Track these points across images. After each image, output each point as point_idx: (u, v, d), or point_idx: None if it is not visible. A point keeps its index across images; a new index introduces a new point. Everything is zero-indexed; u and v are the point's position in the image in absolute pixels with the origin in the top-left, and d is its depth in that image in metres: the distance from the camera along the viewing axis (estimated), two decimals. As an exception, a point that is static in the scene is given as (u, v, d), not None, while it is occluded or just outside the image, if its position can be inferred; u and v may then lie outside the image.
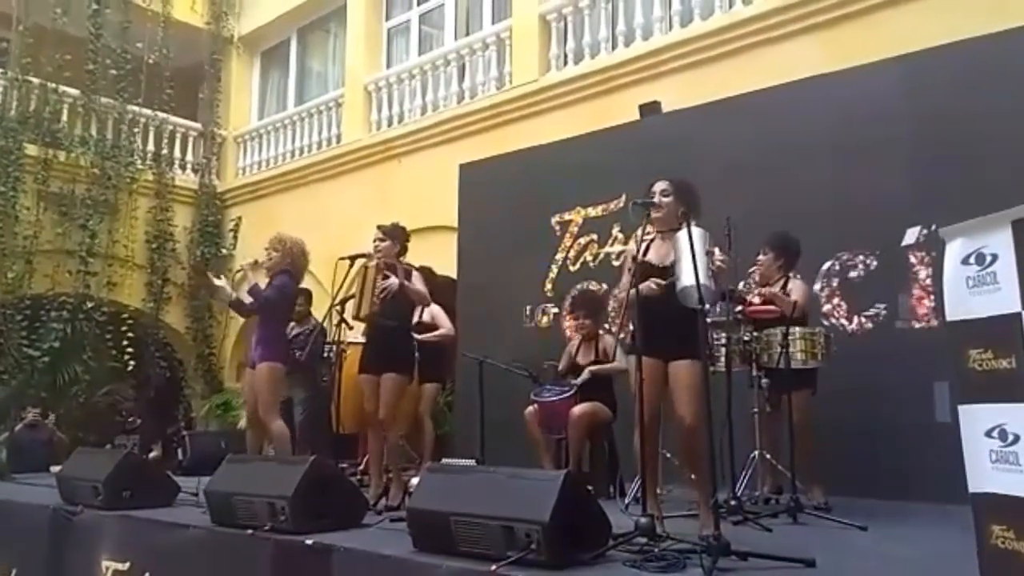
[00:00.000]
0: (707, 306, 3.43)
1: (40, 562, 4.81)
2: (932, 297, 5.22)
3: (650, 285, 3.70)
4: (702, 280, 3.37)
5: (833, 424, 4.82)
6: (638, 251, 3.80)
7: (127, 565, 4.25)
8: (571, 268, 6.98)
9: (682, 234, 3.48)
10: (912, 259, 5.37)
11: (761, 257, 5.03)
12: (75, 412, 10.14)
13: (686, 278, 3.41)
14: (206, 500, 4.28)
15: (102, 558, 4.41)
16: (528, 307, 7.11)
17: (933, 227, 5.18)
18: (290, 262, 5.40)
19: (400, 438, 5.06)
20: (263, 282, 5.39)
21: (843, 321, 5.54)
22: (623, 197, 6.42)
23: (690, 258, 3.37)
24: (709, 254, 3.56)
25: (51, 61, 10.45)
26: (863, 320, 5.52)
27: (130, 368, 10.48)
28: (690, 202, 3.79)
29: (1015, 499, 2.02)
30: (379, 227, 5.09)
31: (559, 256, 7.05)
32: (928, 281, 5.28)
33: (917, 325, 5.30)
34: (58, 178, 10.41)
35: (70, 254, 10.32)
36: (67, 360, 10.11)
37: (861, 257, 5.57)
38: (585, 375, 5.32)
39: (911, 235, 5.36)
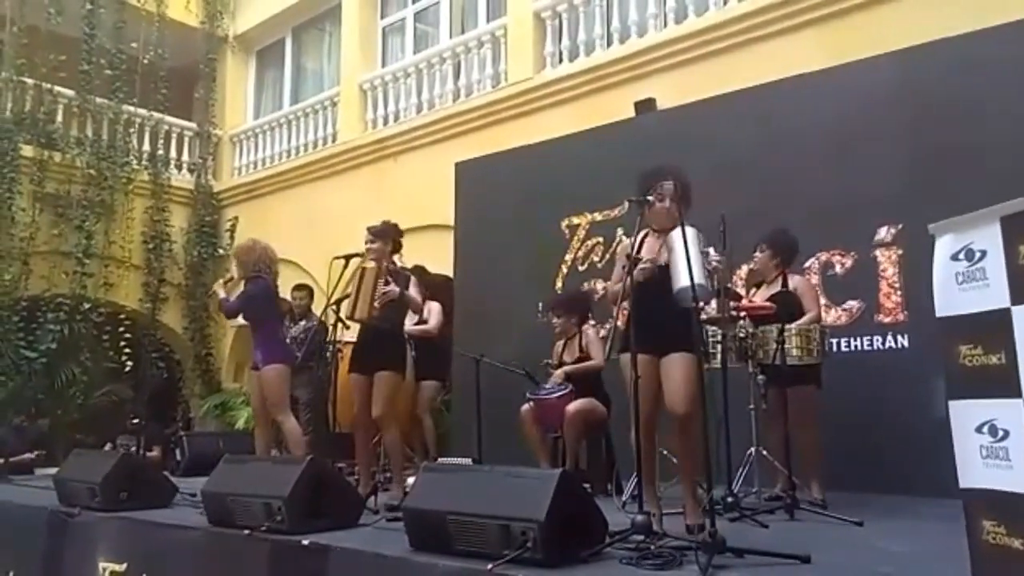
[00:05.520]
0: (701, 304, 3.42)
1: (37, 564, 4.81)
2: (899, 293, 5.36)
3: (642, 268, 3.65)
4: (699, 280, 3.38)
5: (829, 420, 4.83)
6: (633, 247, 3.79)
7: (124, 566, 4.25)
8: (580, 268, 6.99)
9: (675, 234, 3.48)
10: (880, 256, 5.46)
11: (758, 255, 5.03)
12: (73, 414, 10.14)
13: (682, 279, 3.41)
14: (203, 501, 4.28)
15: (99, 560, 4.41)
16: (540, 303, 7.10)
17: (901, 226, 5.34)
18: (255, 265, 5.42)
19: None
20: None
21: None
22: (625, 204, 6.42)
23: (684, 259, 3.37)
24: (704, 254, 3.56)
25: (45, 62, 10.41)
26: (840, 313, 5.59)
27: (127, 369, 10.48)
28: (687, 200, 3.81)
29: (1005, 495, 2.02)
30: (368, 229, 5.06)
31: (568, 257, 7.06)
32: (896, 278, 5.39)
33: (885, 319, 5.40)
34: (54, 179, 10.39)
35: (66, 255, 10.30)
36: (64, 362, 10.10)
37: (839, 253, 5.65)
38: (556, 377, 5.33)
39: (881, 234, 5.47)
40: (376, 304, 4.77)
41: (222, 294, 5.55)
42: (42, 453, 8.52)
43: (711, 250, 3.66)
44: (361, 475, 5.06)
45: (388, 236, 5.02)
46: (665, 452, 4.65)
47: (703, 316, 3.69)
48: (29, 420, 9.20)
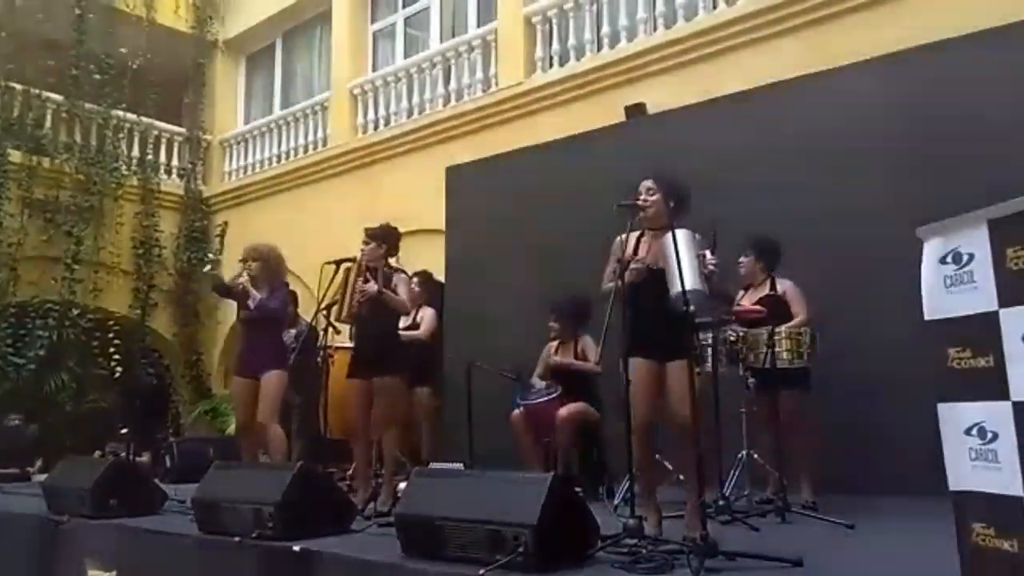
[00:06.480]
0: (692, 308, 3.39)
1: (26, 571, 4.79)
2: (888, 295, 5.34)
3: (632, 268, 3.64)
4: (695, 285, 3.36)
5: (821, 422, 4.84)
6: (625, 250, 3.78)
7: (113, 573, 4.23)
8: (575, 271, 6.96)
9: (667, 238, 3.46)
10: (869, 259, 5.43)
11: (743, 260, 5.05)
12: (62, 420, 10.07)
13: (676, 285, 3.40)
14: (193, 507, 4.26)
15: (88, 566, 4.39)
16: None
17: (889, 229, 5.25)
18: (277, 269, 5.41)
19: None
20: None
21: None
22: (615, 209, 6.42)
23: (676, 264, 3.36)
24: (700, 257, 3.51)
25: (34, 67, 10.37)
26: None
27: (117, 375, 10.42)
28: (678, 197, 3.76)
29: (994, 496, 2.02)
30: (365, 230, 5.03)
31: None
32: (884, 280, 5.37)
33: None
34: (42, 184, 10.34)
35: (55, 261, 10.26)
36: (53, 368, 10.05)
37: (828, 256, 5.62)
38: (554, 361, 5.36)
39: (870, 236, 5.40)
40: (355, 303, 4.73)
41: (256, 294, 5.36)
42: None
43: (707, 253, 3.61)
44: (360, 481, 5.04)
45: (380, 239, 4.97)
46: (657, 456, 4.66)
47: (696, 320, 3.64)
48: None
